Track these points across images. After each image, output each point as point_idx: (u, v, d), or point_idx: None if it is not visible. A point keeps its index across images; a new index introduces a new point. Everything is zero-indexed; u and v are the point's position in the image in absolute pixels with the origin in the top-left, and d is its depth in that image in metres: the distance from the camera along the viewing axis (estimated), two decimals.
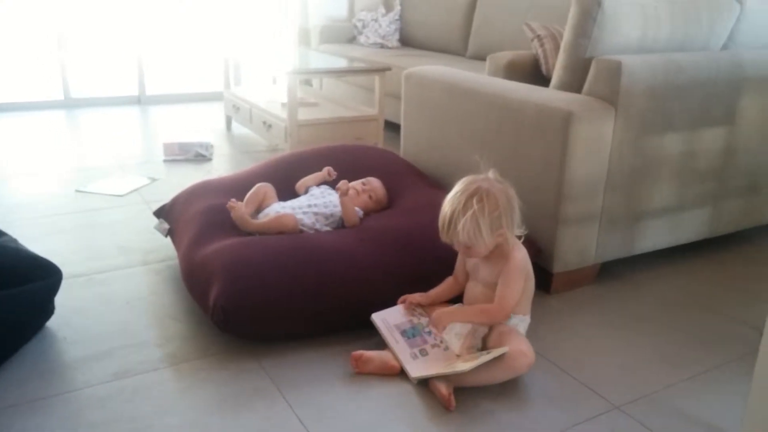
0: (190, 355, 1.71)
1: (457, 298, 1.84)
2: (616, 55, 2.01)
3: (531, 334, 1.74)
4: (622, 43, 2.04)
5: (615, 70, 1.93)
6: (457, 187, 1.67)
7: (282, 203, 2.10)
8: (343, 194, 2.02)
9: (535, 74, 3.11)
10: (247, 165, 3.46)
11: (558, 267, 2.04)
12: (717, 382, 1.65)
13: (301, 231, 2.00)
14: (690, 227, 2.28)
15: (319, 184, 2.27)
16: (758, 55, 2.21)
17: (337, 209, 2.08)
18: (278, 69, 3.52)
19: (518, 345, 1.59)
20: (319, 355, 1.72)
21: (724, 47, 2.25)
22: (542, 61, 3.06)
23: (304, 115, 3.40)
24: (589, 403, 1.56)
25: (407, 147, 2.69)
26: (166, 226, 2.23)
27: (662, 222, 2.19)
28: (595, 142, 1.95)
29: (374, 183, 2.24)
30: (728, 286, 2.17)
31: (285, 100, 3.71)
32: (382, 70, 3.46)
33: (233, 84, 4.28)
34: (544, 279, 2.05)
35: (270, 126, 3.55)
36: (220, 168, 3.42)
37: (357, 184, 2.23)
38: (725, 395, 1.60)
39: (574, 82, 2.09)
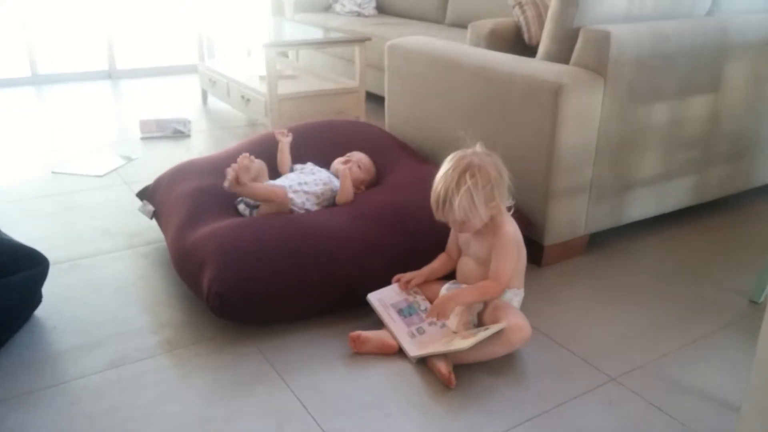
0: (185, 340, 1.70)
1: (451, 275, 1.84)
2: (604, 24, 2.00)
3: (526, 308, 1.75)
4: (609, 12, 2.03)
5: (604, 41, 1.91)
6: (447, 164, 1.66)
7: (271, 182, 2.07)
8: (348, 170, 2.02)
9: (518, 42, 3.08)
10: (227, 141, 3.41)
11: (549, 239, 2.05)
12: (708, 350, 1.68)
13: (291, 211, 1.97)
14: (676, 195, 2.30)
15: (303, 162, 2.23)
16: (743, 20, 2.21)
17: (327, 186, 2.06)
18: (254, 41, 3.44)
19: (515, 319, 1.60)
20: (316, 336, 1.72)
21: (709, 13, 2.25)
22: (524, 28, 3.03)
23: (283, 88, 3.34)
24: (586, 376, 1.58)
25: (392, 121, 2.66)
26: (151, 208, 2.18)
27: (649, 191, 2.21)
28: (585, 114, 1.94)
29: (359, 154, 2.22)
30: (714, 253, 2.20)
31: (263, 73, 3.65)
32: (362, 40, 3.40)
33: (207, 57, 4.17)
34: (536, 252, 2.06)
35: (249, 100, 3.49)
36: (200, 144, 3.36)
37: (341, 158, 2.20)
38: (717, 363, 1.63)
39: (562, 53, 2.08)
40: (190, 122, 3.56)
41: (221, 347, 1.67)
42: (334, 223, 1.84)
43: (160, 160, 3.08)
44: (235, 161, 2.19)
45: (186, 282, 1.82)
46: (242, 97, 3.55)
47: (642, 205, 2.22)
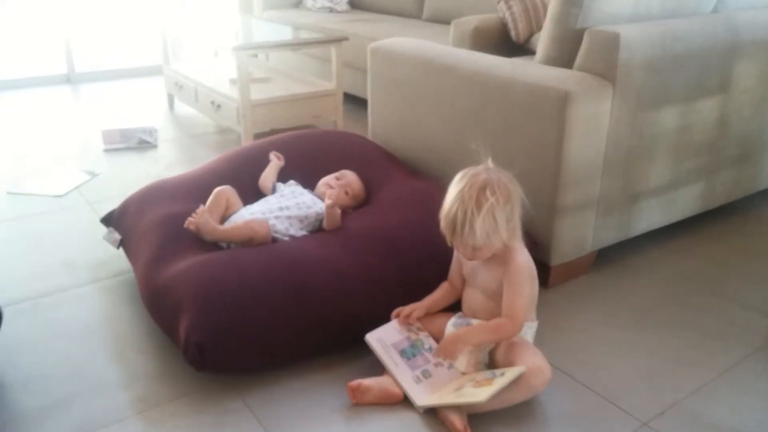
0: (161, 397, 1.49)
1: (455, 305, 1.67)
2: (609, 24, 1.84)
3: (537, 338, 1.59)
4: (615, 12, 1.87)
5: (612, 43, 1.75)
6: (461, 183, 1.48)
7: (249, 208, 1.87)
8: (332, 207, 1.80)
9: (504, 40, 2.92)
10: (197, 150, 3.19)
11: (555, 259, 1.89)
12: (741, 382, 1.54)
13: (274, 239, 1.78)
14: (684, 204, 2.16)
15: (284, 180, 2.04)
16: (751, 16, 2.06)
17: (312, 210, 1.87)
18: (222, 42, 3.21)
19: (533, 360, 1.43)
20: (309, 385, 1.53)
21: (714, 9, 2.10)
22: (510, 25, 2.87)
23: (256, 93, 3.13)
24: (614, 421, 1.42)
25: (376, 128, 2.47)
26: (117, 236, 1.97)
27: (657, 201, 2.06)
28: (593, 123, 1.78)
29: (350, 177, 2.02)
30: (724, 264, 2.07)
31: (233, 76, 3.43)
32: (338, 40, 3.20)
33: (172, 58, 3.92)
34: (541, 273, 1.86)
35: (219, 106, 3.26)
36: (168, 155, 3.13)
37: (330, 178, 2.01)
38: (753, 397, 1.49)
39: (564, 56, 1.91)
40: (156, 131, 3.32)
41: (202, 404, 1.47)
42: (324, 255, 1.65)
43: (126, 175, 2.85)
44: (210, 181, 2.01)
45: (160, 326, 1.62)
46: (212, 102, 3.32)
47: (649, 217, 2.07)
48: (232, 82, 3.40)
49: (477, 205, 1.42)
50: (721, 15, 2.03)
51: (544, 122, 1.78)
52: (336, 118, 3.30)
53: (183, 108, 3.94)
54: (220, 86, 3.33)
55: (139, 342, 1.69)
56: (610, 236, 2.00)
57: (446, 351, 1.49)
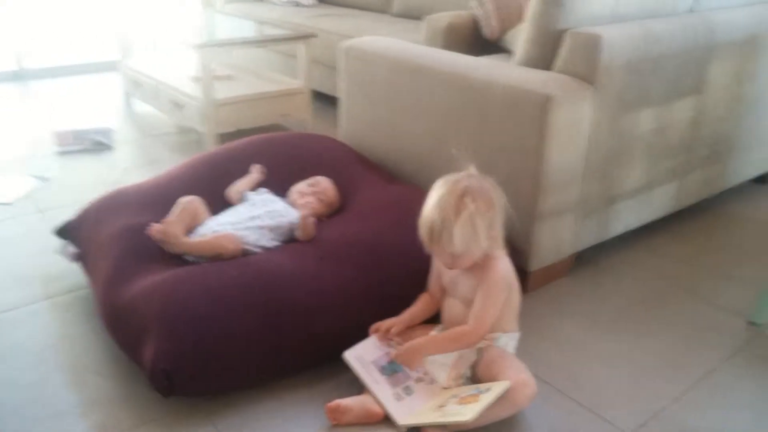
0: (123, 424, 1.39)
1: (437, 317, 1.61)
2: (589, 25, 1.79)
3: (519, 347, 1.54)
4: (596, 13, 1.82)
5: (593, 45, 1.70)
6: (441, 189, 1.42)
7: (217, 219, 1.76)
8: (307, 218, 1.71)
9: (477, 37, 2.87)
10: (158, 152, 3.05)
11: (535, 264, 1.85)
12: (721, 388, 1.51)
13: (245, 252, 1.68)
14: (658, 203, 2.14)
15: (254, 188, 1.94)
16: (727, 17, 2.04)
17: (284, 219, 1.78)
18: (182, 37, 3.08)
19: (517, 375, 1.38)
20: (284, 405, 1.45)
21: (691, 9, 2.07)
22: (483, 22, 2.81)
23: (220, 91, 3.00)
24: None
25: (349, 130, 2.39)
26: (73, 250, 1.85)
27: (633, 202, 2.03)
28: (574, 127, 1.73)
29: (324, 183, 1.94)
30: (698, 264, 2.05)
31: (195, 73, 3.30)
32: (306, 37, 3.10)
33: (129, 53, 3.76)
34: (520, 278, 1.81)
35: (181, 105, 3.13)
36: (126, 158, 2.99)
37: (303, 185, 1.92)
38: (734, 403, 1.47)
39: (544, 57, 1.86)
40: (112, 132, 3.17)
41: (169, 431, 1.38)
42: (299, 268, 1.57)
43: (80, 180, 2.70)
44: (175, 190, 1.90)
45: (121, 347, 1.52)
46: (173, 101, 3.19)
47: (626, 218, 2.04)
48: (195, 80, 3.27)
49: (456, 211, 1.37)
50: (699, 15, 2.00)
51: (524, 126, 1.72)
52: (305, 117, 3.20)
53: (141, 107, 3.78)
54: (182, 84, 3.20)
55: (97, 364, 1.58)
56: (588, 239, 1.97)
57: (404, 359, 1.45)
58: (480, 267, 1.46)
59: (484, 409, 1.28)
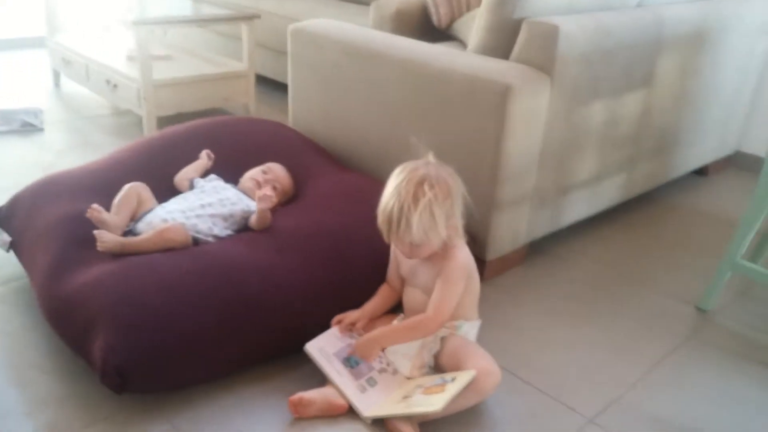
0: (74, 423, 1.31)
1: (398, 306, 1.59)
2: (545, 15, 1.80)
3: (478, 336, 1.54)
4: (552, 3, 1.83)
5: (551, 35, 1.72)
6: (399, 177, 1.40)
7: (166, 206, 1.68)
8: (266, 204, 1.63)
9: (426, 25, 2.85)
10: (92, 135, 2.90)
11: (492, 254, 1.86)
12: (674, 373, 1.57)
13: (196, 240, 1.61)
14: (608, 194, 2.19)
15: (204, 175, 1.87)
16: (675, 11, 2.10)
17: (237, 207, 1.71)
18: (120, 16, 2.93)
19: (482, 363, 1.38)
20: (244, 400, 1.40)
21: (639, 3, 2.12)
22: (432, 10, 2.80)
23: (159, 72, 2.87)
24: (562, 420, 1.40)
25: (298, 116, 2.33)
26: (7, 238, 1.73)
27: (585, 192, 2.07)
28: (532, 116, 1.74)
29: (277, 170, 1.88)
30: (645, 253, 2.12)
31: (130, 52, 3.15)
32: (250, 17, 3.00)
33: (58, 29, 3.54)
34: (477, 268, 1.85)
35: (116, 86, 2.98)
36: (57, 140, 2.82)
37: (256, 172, 1.86)
38: (687, 387, 1.52)
39: (500, 46, 1.86)
40: (42, 112, 2.99)
41: (123, 429, 1.31)
42: (256, 259, 1.51)
43: (9, 164, 2.54)
44: (117, 175, 1.82)
45: (66, 342, 1.43)
46: (107, 81, 3.03)
47: (578, 208, 2.09)
48: (130, 58, 3.12)
49: (414, 200, 1.36)
50: (648, 10, 2.05)
51: (483, 115, 1.72)
52: (248, 102, 3.11)
53: (71, 86, 3.58)
54: (117, 63, 3.04)
55: (41, 360, 1.48)
56: (542, 228, 1.99)
57: (361, 351, 1.44)
58: (439, 256, 1.46)
59: (452, 398, 1.27)
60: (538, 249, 2.07)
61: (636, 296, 1.88)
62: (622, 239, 2.21)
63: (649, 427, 1.40)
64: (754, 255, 1.91)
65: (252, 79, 3.09)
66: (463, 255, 1.48)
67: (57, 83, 3.60)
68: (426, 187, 1.36)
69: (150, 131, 2.84)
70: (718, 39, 2.30)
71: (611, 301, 1.85)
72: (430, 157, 1.45)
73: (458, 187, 1.43)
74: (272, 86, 3.70)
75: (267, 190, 1.63)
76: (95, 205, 1.56)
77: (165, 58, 3.23)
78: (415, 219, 1.35)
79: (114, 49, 3.31)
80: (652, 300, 1.87)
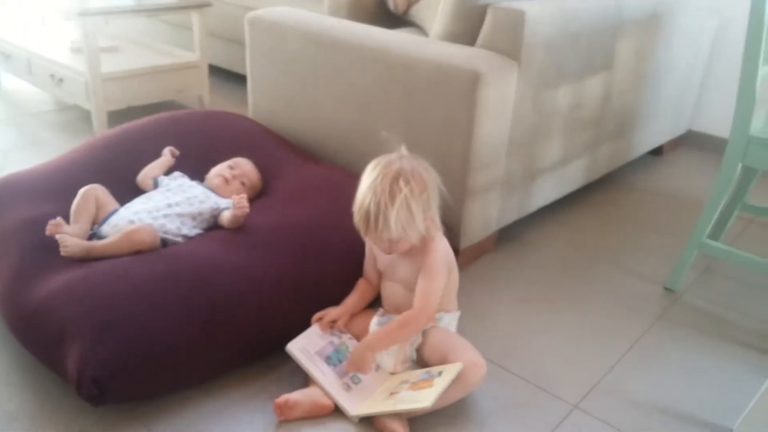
0: None
1: (377, 300, 1.57)
2: (511, 1, 1.79)
3: (460, 328, 1.54)
4: None
5: (517, 21, 1.71)
6: (373, 173, 1.38)
7: (130, 207, 1.61)
8: (243, 212, 1.57)
9: (382, 10, 2.81)
10: (39, 131, 2.77)
11: (465, 242, 1.86)
12: (649, 354, 1.60)
13: (165, 241, 1.55)
14: (572, 177, 2.21)
15: (168, 172, 1.80)
16: None
17: (205, 205, 1.66)
18: (63, 7, 2.79)
19: (467, 355, 1.37)
20: (225, 405, 1.36)
21: None
22: None
23: (107, 65, 2.75)
24: (548, 408, 1.41)
25: (259, 109, 2.27)
26: None
27: (551, 177, 2.09)
28: (501, 103, 1.74)
29: (245, 165, 1.83)
30: (610, 235, 2.16)
31: (74, 44, 3.01)
32: (200, 6, 2.89)
33: None
34: None
35: (61, 80, 2.84)
36: (3, 139, 2.68)
37: (223, 168, 1.80)
38: (662, 368, 1.55)
39: (465, 33, 1.85)
40: None
41: None
42: (230, 259, 1.47)
43: None
44: (75, 175, 1.74)
45: (34, 354, 1.36)
46: (51, 75, 2.89)
47: (544, 193, 2.10)
48: (74, 51, 2.99)
49: (390, 196, 1.33)
50: None
51: (453, 103, 1.71)
52: (201, 93, 3.01)
53: (10, 81, 3.41)
54: (61, 56, 2.91)
55: (7, 374, 1.41)
56: (511, 214, 2.00)
57: (358, 364, 1.38)
58: (418, 250, 1.44)
59: (440, 393, 1.26)
60: (507, 235, 2.08)
61: (606, 278, 1.91)
62: (588, 222, 2.24)
63: (630, 408, 1.43)
64: (714, 232, 1.96)
65: (205, 70, 3.00)
66: (442, 247, 1.47)
67: None
68: (402, 183, 1.34)
69: (100, 127, 2.73)
70: (671, 20, 2.34)
71: (582, 284, 1.88)
72: (403, 150, 1.43)
73: (433, 180, 1.41)
74: (225, 77, 3.61)
75: (244, 200, 1.56)
76: (53, 221, 1.47)
77: (112, 49, 3.10)
78: (393, 216, 1.33)
79: (56, 41, 3.16)
80: (622, 281, 1.90)
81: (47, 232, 1.46)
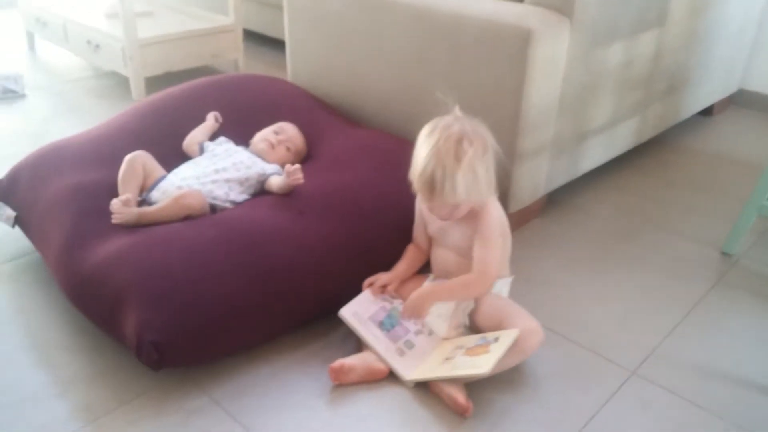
0: (108, 403, 1.27)
1: (425, 267, 1.55)
2: None
3: (510, 294, 1.52)
4: None
5: None
6: (434, 136, 1.32)
7: (178, 173, 1.60)
8: (296, 181, 1.55)
9: None
10: (79, 99, 2.77)
11: (513, 206, 1.82)
12: (708, 319, 1.56)
13: (213, 207, 1.55)
14: (622, 139, 2.15)
15: (212, 138, 1.79)
16: None
17: (252, 170, 1.64)
18: None
19: (524, 322, 1.35)
20: (279, 369, 1.36)
21: None
22: None
23: (143, 30, 2.74)
24: (605, 374, 1.39)
25: (298, 72, 2.24)
26: (11, 212, 1.65)
27: (601, 138, 2.03)
28: (552, 62, 1.68)
29: (290, 131, 1.80)
30: (661, 198, 2.10)
31: (109, 10, 3.00)
32: None
33: None
34: None
35: (98, 46, 2.84)
36: (42, 107, 2.69)
37: (268, 133, 1.78)
38: (723, 333, 1.51)
39: None
40: (22, 77, 2.84)
41: (160, 405, 1.27)
42: (280, 224, 1.46)
43: None
44: (120, 142, 1.73)
45: (91, 319, 1.37)
46: (88, 42, 2.88)
47: (593, 155, 2.05)
48: (110, 16, 2.97)
49: (456, 159, 1.29)
50: None
51: (502, 63, 1.65)
52: (236, 57, 2.99)
53: (48, 48, 3.41)
54: (97, 22, 2.89)
55: (65, 338, 1.42)
56: (560, 178, 1.96)
57: (414, 308, 1.40)
58: (472, 214, 1.40)
59: (499, 359, 1.25)
60: (555, 199, 2.03)
61: (658, 242, 1.86)
62: (637, 185, 2.18)
63: (690, 373, 1.39)
64: None
65: (240, 34, 2.97)
66: (497, 211, 1.44)
67: (32, 46, 3.43)
68: (465, 144, 1.29)
69: (138, 93, 2.72)
70: None
71: (634, 248, 1.83)
72: (457, 111, 1.38)
73: (491, 140, 1.37)
74: (259, 41, 3.57)
75: (299, 171, 1.54)
76: (122, 198, 1.47)
77: (147, 14, 3.07)
78: (460, 179, 1.28)
79: (91, 7, 3.14)
80: (675, 245, 1.85)
81: (111, 207, 1.45)
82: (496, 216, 1.42)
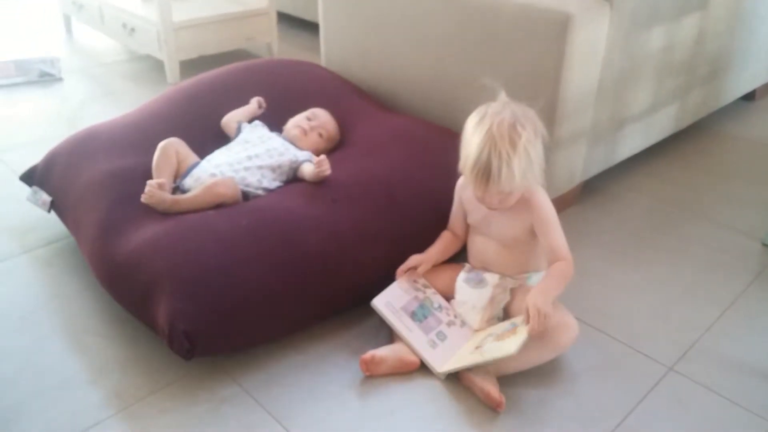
0: (140, 390, 1.28)
1: (456, 255, 1.53)
2: None
3: None
4: None
5: None
6: (483, 123, 1.28)
7: (212, 159, 1.60)
8: (322, 173, 1.53)
9: None
10: (113, 82, 2.80)
11: (549, 195, 1.76)
12: (750, 314, 1.51)
13: (246, 194, 1.54)
14: (660, 126, 2.09)
15: (250, 120, 1.78)
16: None
17: (284, 157, 1.63)
18: None
19: (559, 316, 1.32)
20: (310, 359, 1.36)
21: None
22: None
23: (178, 13, 2.74)
24: (641, 369, 1.36)
25: (332, 57, 2.21)
26: (47, 197, 1.67)
27: (639, 125, 1.98)
28: (591, 47, 1.63)
29: (323, 117, 1.78)
30: (700, 187, 2.04)
31: None
32: None
33: None
34: None
35: (133, 30, 2.85)
36: (78, 90, 2.72)
37: (301, 119, 1.77)
38: (765, 329, 1.47)
39: None
40: (59, 60, 2.87)
41: (191, 394, 1.27)
42: (313, 212, 1.44)
43: (31, 116, 2.45)
44: (154, 127, 1.73)
45: (124, 306, 1.38)
46: (123, 25, 2.90)
47: (631, 142, 1.99)
48: (145, 0, 2.97)
49: (512, 144, 1.25)
50: None
51: (539, 49, 1.61)
52: (270, 41, 2.98)
53: (84, 31, 3.45)
54: (132, 5, 2.90)
55: (98, 324, 1.44)
56: (597, 166, 1.91)
57: (541, 321, 1.22)
58: (519, 202, 1.36)
59: (525, 340, 1.22)
60: (591, 187, 1.99)
61: (697, 233, 1.81)
62: (676, 173, 2.12)
63: (730, 371, 1.35)
64: None
65: (274, 17, 2.95)
66: (546, 197, 1.40)
67: (69, 29, 3.46)
68: (519, 128, 1.26)
69: (173, 76, 2.73)
70: None
71: (672, 239, 1.79)
72: (504, 96, 1.35)
73: (540, 124, 1.33)
74: (292, 24, 3.55)
75: (326, 162, 1.52)
76: (156, 181, 1.47)
77: None
78: (516, 164, 1.25)
79: None
80: (715, 236, 1.80)
81: (143, 199, 1.46)
82: (548, 201, 1.40)
